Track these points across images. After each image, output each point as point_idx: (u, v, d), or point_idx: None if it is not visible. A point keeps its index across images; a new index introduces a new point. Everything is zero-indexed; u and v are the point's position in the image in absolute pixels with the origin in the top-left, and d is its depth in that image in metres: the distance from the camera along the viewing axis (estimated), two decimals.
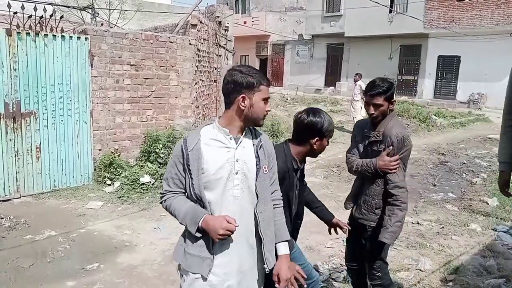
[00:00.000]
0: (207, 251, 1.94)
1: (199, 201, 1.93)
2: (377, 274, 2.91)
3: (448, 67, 20.64)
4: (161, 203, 2.07)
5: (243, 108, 1.93)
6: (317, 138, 2.42)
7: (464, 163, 8.95)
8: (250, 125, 2.03)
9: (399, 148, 2.72)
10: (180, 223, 1.98)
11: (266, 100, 1.99)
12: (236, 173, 1.96)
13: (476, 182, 7.42)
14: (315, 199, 2.96)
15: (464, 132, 13.53)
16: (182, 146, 1.94)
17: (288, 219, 2.35)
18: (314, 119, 2.42)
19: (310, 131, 2.42)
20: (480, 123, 15.46)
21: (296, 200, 2.52)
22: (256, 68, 2.03)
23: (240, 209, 1.98)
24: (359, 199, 2.92)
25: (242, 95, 1.92)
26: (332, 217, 2.90)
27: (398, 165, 2.71)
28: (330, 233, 2.94)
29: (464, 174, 8.00)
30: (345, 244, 4.54)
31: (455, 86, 20.44)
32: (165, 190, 2.03)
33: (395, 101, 2.81)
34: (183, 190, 2.00)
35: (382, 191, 2.82)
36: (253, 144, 2.03)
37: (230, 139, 1.96)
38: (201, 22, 8.25)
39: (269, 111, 2.04)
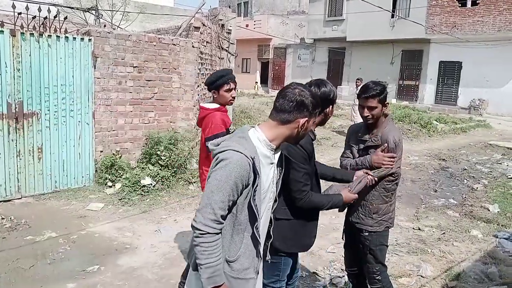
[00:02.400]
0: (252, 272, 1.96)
1: (254, 215, 1.84)
2: (377, 278, 2.94)
3: (450, 73, 20.67)
4: (202, 234, 1.75)
5: (300, 130, 1.90)
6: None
7: (465, 169, 8.95)
8: (289, 142, 2.02)
9: (396, 152, 2.81)
10: (200, 263, 1.79)
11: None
12: (273, 188, 2.02)
13: (477, 188, 7.41)
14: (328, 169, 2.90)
15: (465, 138, 13.53)
16: (251, 166, 1.76)
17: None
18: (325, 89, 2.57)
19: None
20: (481, 129, 15.46)
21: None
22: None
23: (269, 216, 2.09)
24: (355, 204, 2.89)
25: (306, 119, 1.88)
26: (353, 175, 2.81)
27: (392, 162, 2.76)
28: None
29: (465, 180, 7.99)
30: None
31: (456, 91, 20.47)
32: (215, 222, 1.75)
33: (388, 103, 2.87)
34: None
35: (380, 195, 2.86)
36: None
37: (274, 154, 1.95)
38: (204, 24, 8.26)
39: None
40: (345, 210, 3.02)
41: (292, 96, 1.87)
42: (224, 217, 1.78)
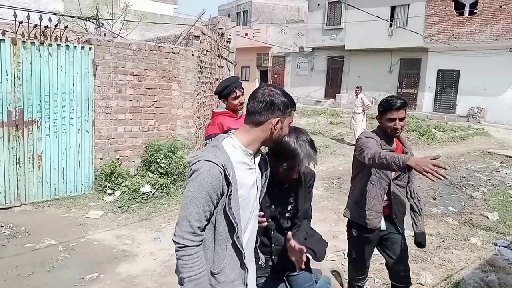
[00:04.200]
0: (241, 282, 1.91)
1: (232, 224, 1.81)
2: (410, 276, 3.15)
3: (448, 81, 20.76)
4: (181, 247, 1.73)
5: (274, 131, 1.85)
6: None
7: (464, 177, 8.97)
8: (266, 146, 1.97)
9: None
10: (182, 277, 1.76)
11: (290, 124, 1.96)
12: (257, 193, 1.97)
13: (476, 196, 7.42)
14: None
15: (463, 146, 13.56)
16: (222, 174, 1.73)
17: None
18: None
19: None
20: (480, 137, 15.50)
21: None
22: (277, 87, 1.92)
23: (256, 222, 2.04)
24: (396, 211, 3.04)
25: (278, 119, 1.83)
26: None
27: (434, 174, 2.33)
28: None
29: (464, 188, 8.01)
30: (346, 257, 4.54)
31: (455, 100, 20.54)
32: (192, 234, 1.73)
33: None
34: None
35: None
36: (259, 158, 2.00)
37: (252, 159, 1.90)
38: (203, 33, 8.32)
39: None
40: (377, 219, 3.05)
41: (261, 97, 1.83)
42: (201, 229, 1.75)
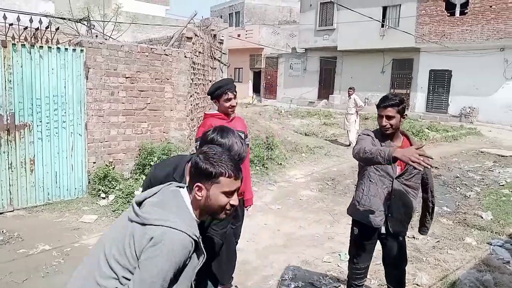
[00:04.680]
0: None
1: None
2: (404, 279, 3.18)
3: (440, 81, 20.90)
4: None
5: (199, 198, 1.72)
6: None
7: (458, 176, 9.01)
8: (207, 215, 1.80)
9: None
10: None
11: (228, 193, 1.73)
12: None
13: (470, 195, 7.46)
14: None
15: (456, 146, 13.64)
16: (193, 247, 1.63)
17: None
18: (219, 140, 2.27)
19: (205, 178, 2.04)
20: (472, 137, 15.61)
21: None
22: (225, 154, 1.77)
23: None
24: (395, 212, 2.99)
25: (197, 184, 1.71)
26: None
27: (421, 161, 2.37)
28: None
29: (458, 188, 8.04)
30: (342, 258, 4.53)
31: (447, 99, 20.67)
32: None
33: (406, 115, 2.97)
34: None
35: (416, 204, 3.10)
36: None
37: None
38: (196, 35, 8.29)
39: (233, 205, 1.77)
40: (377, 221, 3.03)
41: (193, 158, 1.80)
42: None
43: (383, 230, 2.99)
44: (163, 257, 1.53)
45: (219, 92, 3.44)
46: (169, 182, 1.84)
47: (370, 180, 2.99)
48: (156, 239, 1.54)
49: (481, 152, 12.32)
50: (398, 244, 3.03)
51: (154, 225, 1.57)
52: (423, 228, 3.39)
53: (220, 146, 2.07)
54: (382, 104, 2.88)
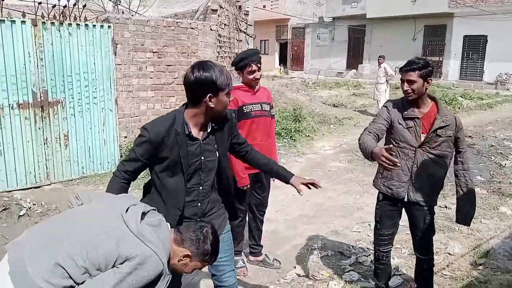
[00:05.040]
0: None
1: None
2: (431, 248, 3.10)
3: (474, 47, 20.06)
4: None
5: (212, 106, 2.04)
6: (210, 95, 2.10)
7: (493, 145, 8.73)
8: None
9: (460, 124, 2.89)
10: None
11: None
12: None
13: (505, 164, 7.23)
14: (265, 162, 2.58)
15: (491, 114, 13.17)
16: (159, 276, 1.74)
17: (177, 191, 2.20)
18: (202, 74, 2.08)
19: (199, 88, 2.10)
20: (509, 104, 15.02)
21: (202, 168, 2.25)
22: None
23: None
24: (416, 182, 2.89)
25: None
26: (290, 177, 2.52)
27: (390, 165, 2.40)
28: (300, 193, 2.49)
29: (492, 157, 7.81)
30: (372, 228, 4.52)
31: (482, 66, 19.87)
32: None
33: (431, 79, 2.80)
34: None
35: (445, 174, 2.96)
36: None
37: None
38: (221, 7, 8.20)
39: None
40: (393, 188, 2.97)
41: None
42: None
43: (406, 199, 2.95)
44: (138, 276, 1.61)
45: (243, 64, 3.37)
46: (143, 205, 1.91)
47: (391, 153, 2.91)
48: (141, 258, 1.63)
49: None
50: (422, 214, 2.94)
51: (146, 245, 1.67)
52: (458, 213, 3.02)
53: (204, 80, 2.07)
54: (404, 68, 2.78)
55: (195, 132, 2.20)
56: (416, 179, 2.88)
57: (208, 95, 2.08)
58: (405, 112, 2.85)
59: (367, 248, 4.15)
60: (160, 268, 1.68)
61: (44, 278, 1.53)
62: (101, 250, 1.60)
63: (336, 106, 13.68)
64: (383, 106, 3.01)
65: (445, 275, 3.68)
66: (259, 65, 3.41)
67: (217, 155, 2.30)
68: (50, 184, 5.89)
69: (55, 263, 1.55)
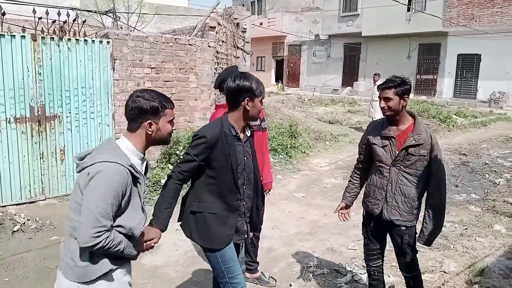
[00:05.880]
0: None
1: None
2: (415, 266, 3.08)
3: (468, 66, 20.33)
4: (99, 236, 1.77)
5: (151, 132, 1.99)
6: (247, 98, 2.45)
7: (487, 163, 8.80)
8: (156, 144, 2.10)
9: (437, 145, 2.89)
10: (121, 251, 1.90)
11: (171, 121, 2.07)
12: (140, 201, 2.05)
13: (499, 182, 7.29)
14: None
15: (485, 132, 13.30)
16: (129, 174, 1.85)
17: (234, 185, 2.47)
18: (242, 82, 2.45)
19: (239, 93, 2.45)
20: (502, 122, 15.17)
21: (247, 168, 2.57)
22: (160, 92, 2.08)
23: None
24: (390, 200, 2.93)
25: (149, 121, 1.97)
26: None
27: None
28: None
29: (486, 175, 7.87)
30: None
31: (476, 84, 20.11)
32: (104, 225, 1.78)
33: (407, 97, 2.85)
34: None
35: (421, 193, 2.95)
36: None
37: (142, 164, 2.04)
38: (219, 24, 8.30)
39: (174, 129, 2.12)
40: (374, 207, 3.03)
41: (130, 105, 1.97)
42: (112, 221, 1.82)
43: (382, 218, 2.97)
44: (100, 184, 1.76)
45: (224, 85, 3.47)
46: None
47: (373, 171, 3.06)
48: (92, 173, 1.79)
49: (511, 138, 11.98)
50: (399, 233, 2.95)
51: (91, 164, 1.81)
52: (420, 234, 2.96)
53: (243, 86, 2.45)
54: (381, 86, 2.87)
55: (240, 134, 2.53)
56: (390, 197, 2.92)
57: (246, 98, 2.43)
58: (383, 131, 2.94)
59: (363, 266, 4.14)
60: (114, 165, 1.79)
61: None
62: (78, 204, 1.85)
63: (332, 123, 13.77)
64: (365, 131, 3.17)
65: None
66: None
67: (253, 158, 2.62)
68: (45, 199, 5.87)
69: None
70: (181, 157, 2.52)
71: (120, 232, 1.87)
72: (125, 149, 1.94)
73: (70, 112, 5.98)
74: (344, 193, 3.28)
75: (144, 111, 1.95)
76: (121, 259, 1.96)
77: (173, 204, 2.48)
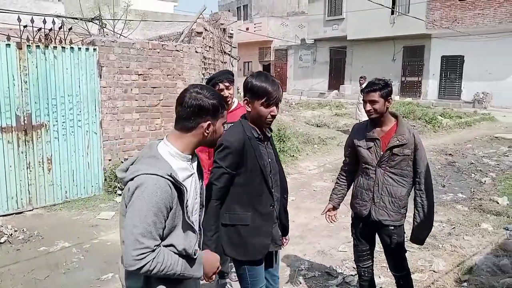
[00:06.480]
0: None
1: (193, 232, 1.80)
2: (404, 265, 3.12)
3: (452, 67, 20.64)
4: (143, 258, 1.59)
5: (207, 134, 1.81)
6: (245, 99, 2.36)
7: (472, 163, 8.94)
8: (204, 146, 1.93)
9: (420, 145, 2.94)
10: (180, 274, 1.73)
11: (225, 124, 1.91)
12: (197, 198, 1.92)
13: (485, 181, 7.40)
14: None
15: (470, 132, 13.50)
16: (171, 185, 1.65)
17: (266, 190, 2.38)
18: (248, 79, 2.36)
19: (250, 94, 2.34)
20: (486, 122, 15.43)
21: (273, 170, 2.47)
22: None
23: (195, 233, 1.92)
24: (377, 201, 2.97)
25: (208, 122, 1.79)
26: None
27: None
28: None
29: (472, 174, 7.99)
30: None
31: (460, 86, 20.43)
32: (147, 247, 1.59)
33: (391, 99, 2.92)
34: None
35: (408, 192, 3.00)
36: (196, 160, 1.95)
37: (190, 164, 1.85)
38: (206, 29, 8.32)
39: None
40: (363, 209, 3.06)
41: (188, 101, 1.75)
42: (155, 241, 1.62)
43: (371, 218, 3.02)
44: (140, 199, 1.59)
45: (211, 83, 3.45)
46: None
47: (359, 173, 3.11)
48: (131, 188, 1.63)
49: (496, 137, 12.19)
50: (388, 233, 2.99)
51: (131, 179, 1.65)
52: (412, 233, 3.07)
53: (253, 88, 2.31)
54: (366, 89, 2.91)
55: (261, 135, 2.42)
56: (377, 198, 2.97)
57: (261, 101, 2.30)
58: (368, 133, 2.99)
59: (353, 268, 4.17)
60: (154, 177, 1.62)
61: None
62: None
63: (319, 126, 13.85)
64: (350, 133, 3.20)
65: None
66: (226, 84, 3.47)
67: (276, 158, 2.54)
68: (32, 210, 5.79)
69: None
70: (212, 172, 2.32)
71: (174, 253, 1.71)
72: (168, 155, 1.75)
73: (57, 121, 5.93)
74: (331, 195, 3.31)
75: (205, 110, 1.76)
76: (180, 283, 1.79)
77: (218, 227, 2.31)
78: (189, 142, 1.79)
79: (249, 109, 2.35)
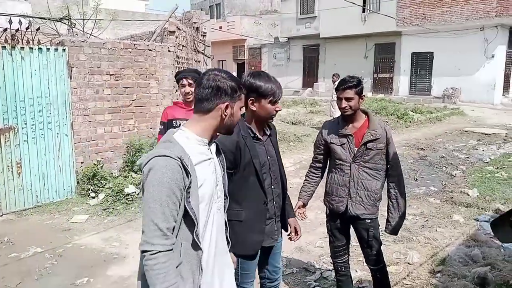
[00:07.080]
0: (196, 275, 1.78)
1: (191, 219, 1.70)
2: (381, 258, 3.17)
3: (422, 64, 21.09)
4: (153, 254, 1.59)
5: (225, 117, 1.80)
6: (251, 99, 2.38)
7: (443, 156, 9.16)
8: (220, 132, 1.91)
9: (391, 139, 3.03)
10: None
11: (242, 108, 1.92)
12: (217, 185, 1.88)
13: (455, 174, 7.60)
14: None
15: (441, 126, 13.84)
16: (181, 165, 1.63)
17: (259, 188, 2.43)
18: (251, 80, 2.39)
19: (256, 94, 2.38)
20: (456, 117, 15.84)
21: (272, 167, 2.54)
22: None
23: (222, 218, 1.95)
24: (354, 196, 3.02)
25: (227, 103, 1.79)
26: (292, 216, 2.90)
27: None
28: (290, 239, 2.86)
29: (444, 168, 8.19)
30: None
31: (430, 81, 20.89)
32: (163, 237, 1.60)
33: (364, 96, 3.02)
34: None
35: (381, 185, 3.06)
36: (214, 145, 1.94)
37: (208, 149, 1.83)
38: (179, 28, 8.24)
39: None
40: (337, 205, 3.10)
41: (207, 83, 1.77)
42: (171, 230, 1.62)
43: (347, 214, 3.06)
44: (151, 182, 1.61)
45: (177, 78, 3.58)
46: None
47: (332, 170, 3.15)
48: (145, 171, 1.64)
49: (465, 131, 12.54)
50: (365, 227, 3.05)
51: (145, 164, 1.66)
52: (387, 224, 3.15)
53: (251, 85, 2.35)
54: (341, 86, 2.94)
55: (258, 134, 2.49)
56: (354, 193, 3.02)
57: (251, 98, 2.38)
58: (340, 130, 3.03)
59: (331, 263, 4.22)
60: (164, 158, 1.62)
61: None
62: None
63: (295, 124, 13.94)
64: (320, 130, 3.23)
65: (406, 284, 3.81)
66: (190, 81, 3.54)
67: (276, 155, 2.60)
68: (1, 215, 5.62)
69: None
70: None
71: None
72: (183, 139, 1.74)
73: (26, 123, 5.77)
74: (300, 192, 3.34)
75: (223, 90, 1.76)
76: None
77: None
78: (207, 125, 1.80)
79: (254, 108, 2.40)
